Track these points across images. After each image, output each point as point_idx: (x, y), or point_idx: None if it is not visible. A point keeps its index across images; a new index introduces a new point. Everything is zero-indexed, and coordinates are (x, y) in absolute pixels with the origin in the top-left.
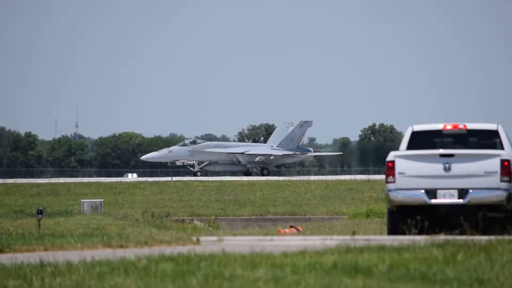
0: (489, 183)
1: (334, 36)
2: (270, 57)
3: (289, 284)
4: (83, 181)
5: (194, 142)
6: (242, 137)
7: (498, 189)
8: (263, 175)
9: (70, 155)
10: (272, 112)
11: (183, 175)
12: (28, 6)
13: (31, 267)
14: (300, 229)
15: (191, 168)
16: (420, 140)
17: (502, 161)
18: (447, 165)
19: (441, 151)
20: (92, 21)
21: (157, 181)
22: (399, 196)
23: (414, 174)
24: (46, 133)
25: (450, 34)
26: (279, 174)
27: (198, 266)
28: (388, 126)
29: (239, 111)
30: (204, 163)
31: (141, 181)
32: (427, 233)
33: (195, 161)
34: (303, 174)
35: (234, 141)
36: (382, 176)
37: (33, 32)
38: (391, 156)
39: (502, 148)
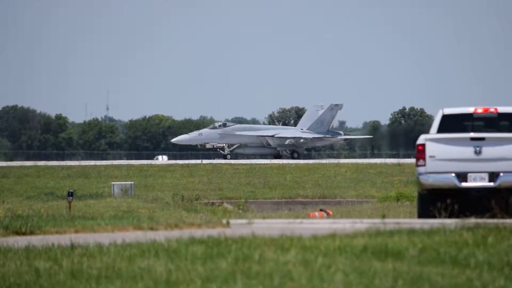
0: None
1: (364, 19)
2: (301, 40)
3: (319, 267)
4: (113, 163)
5: (224, 125)
6: (272, 120)
7: None
8: (293, 158)
9: (100, 138)
10: (302, 95)
11: (213, 158)
12: None
13: (61, 249)
14: (330, 213)
15: (221, 151)
16: (451, 123)
17: None
18: (477, 149)
19: (472, 134)
20: (123, 4)
21: (187, 163)
22: (429, 180)
23: (444, 158)
24: (76, 115)
25: (483, 16)
26: (309, 157)
27: (228, 249)
28: (419, 109)
29: (269, 94)
30: (234, 146)
31: (171, 164)
32: (457, 217)
33: (225, 144)
34: (333, 158)
35: (264, 124)
36: (412, 160)
37: (65, 17)
38: (421, 139)
39: None
